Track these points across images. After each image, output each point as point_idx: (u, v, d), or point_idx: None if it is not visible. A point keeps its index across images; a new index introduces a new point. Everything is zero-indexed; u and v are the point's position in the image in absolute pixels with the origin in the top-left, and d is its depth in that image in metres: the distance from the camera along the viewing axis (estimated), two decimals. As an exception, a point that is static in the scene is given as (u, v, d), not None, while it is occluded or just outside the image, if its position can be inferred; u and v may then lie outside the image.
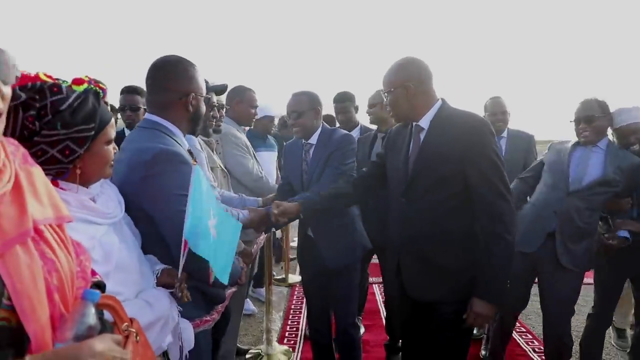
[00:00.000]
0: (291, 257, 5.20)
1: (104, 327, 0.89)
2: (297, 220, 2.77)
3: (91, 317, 0.84)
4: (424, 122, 1.92)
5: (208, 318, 1.61)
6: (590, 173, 2.46)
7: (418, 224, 1.89)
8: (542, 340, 2.75)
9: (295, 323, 3.85)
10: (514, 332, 3.59)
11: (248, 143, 3.08)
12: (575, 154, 2.54)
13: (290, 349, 3.36)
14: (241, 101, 3.09)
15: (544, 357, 3.17)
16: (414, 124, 1.96)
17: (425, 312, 1.95)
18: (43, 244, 0.81)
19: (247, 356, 3.26)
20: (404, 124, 2.05)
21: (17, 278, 0.72)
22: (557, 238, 2.48)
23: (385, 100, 2.01)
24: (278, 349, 3.29)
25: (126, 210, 1.36)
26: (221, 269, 1.38)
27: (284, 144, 2.88)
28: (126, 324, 1.01)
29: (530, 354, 3.27)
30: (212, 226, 1.33)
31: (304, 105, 2.43)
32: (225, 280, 1.37)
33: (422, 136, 1.92)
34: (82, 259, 0.97)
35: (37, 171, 0.89)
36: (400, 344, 3.20)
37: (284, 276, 4.96)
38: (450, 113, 1.90)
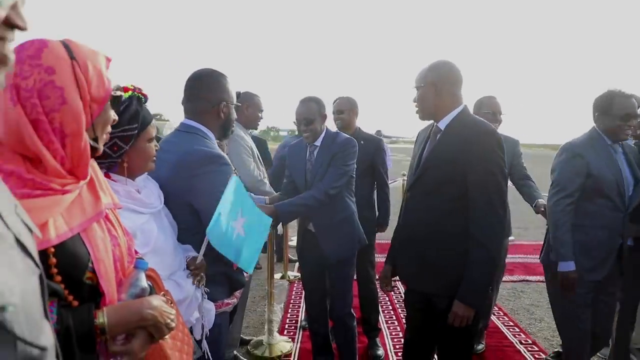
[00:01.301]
0: (290, 256, 5.39)
1: (152, 291, 1.09)
2: (295, 220, 2.94)
3: (143, 281, 1.04)
4: (442, 123, 1.99)
5: (229, 301, 1.79)
6: (630, 185, 2.42)
7: (417, 220, 2.02)
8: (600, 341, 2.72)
9: (295, 316, 4.04)
10: (502, 325, 3.81)
11: (253, 146, 3.27)
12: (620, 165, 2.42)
13: (290, 340, 3.54)
14: (250, 106, 3.30)
15: (528, 349, 3.39)
16: (435, 124, 2.04)
17: (423, 302, 2.08)
18: (108, 223, 1.01)
19: (250, 346, 3.43)
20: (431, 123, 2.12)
21: (96, 248, 0.92)
22: (625, 255, 2.43)
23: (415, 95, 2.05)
24: (279, 338, 3.47)
25: (173, 204, 1.57)
26: (247, 261, 1.61)
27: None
28: (163, 292, 1.20)
29: (517, 346, 3.46)
30: (241, 225, 1.56)
31: (314, 112, 2.58)
32: (249, 269, 1.62)
33: (437, 137, 2.00)
34: (127, 239, 1.16)
35: (96, 165, 1.08)
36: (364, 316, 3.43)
37: (282, 273, 5.14)
38: (466, 119, 1.96)
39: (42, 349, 0.60)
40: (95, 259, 0.91)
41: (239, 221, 1.57)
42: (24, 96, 0.83)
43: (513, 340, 3.54)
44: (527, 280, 5.02)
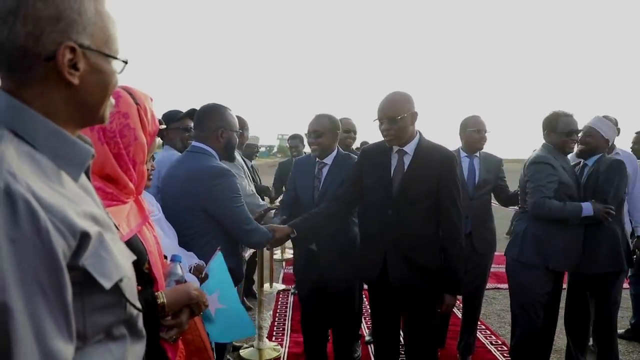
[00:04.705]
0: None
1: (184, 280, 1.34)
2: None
3: (180, 270, 1.30)
4: (409, 148, 2.30)
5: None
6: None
7: (404, 229, 2.28)
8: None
9: (282, 323, 4.26)
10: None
11: (242, 162, 3.50)
12: None
13: (279, 345, 3.76)
14: None
15: (498, 349, 3.69)
16: (397, 148, 2.31)
17: (404, 297, 2.35)
18: (150, 227, 1.26)
19: (241, 351, 3.64)
20: (379, 147, 2.38)
21: (147, 244, 1.18)
22: None
23: (383, 125, 2.25)
24: (268, 344, 3.69)
25: (187, 211, 1.90)
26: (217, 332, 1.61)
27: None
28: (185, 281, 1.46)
29: (488, 346, 3.76)
30: (214, 307, 1.57)
31: (325, 126, 2.64)
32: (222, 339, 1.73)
33: (406, 160, 2.30)
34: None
35: None
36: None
37: (268, 284, 5.34)
38: (429, 143, 2.33)
39: (139, 310, 0.86)
40: (149, 253, 1.16)
41: (212, 300, 1.54)
42: (109, 136, 1.11)
43: (484, 342, 3.84)
44: (498, 288, 5.36)
